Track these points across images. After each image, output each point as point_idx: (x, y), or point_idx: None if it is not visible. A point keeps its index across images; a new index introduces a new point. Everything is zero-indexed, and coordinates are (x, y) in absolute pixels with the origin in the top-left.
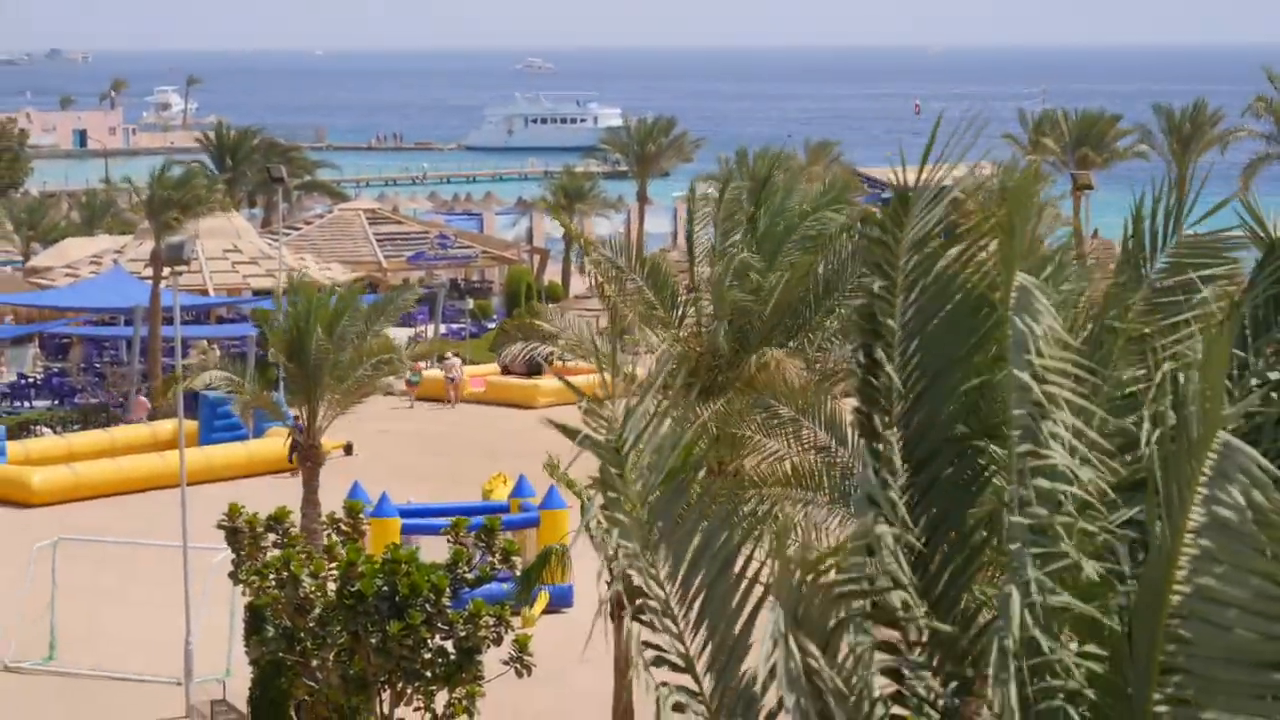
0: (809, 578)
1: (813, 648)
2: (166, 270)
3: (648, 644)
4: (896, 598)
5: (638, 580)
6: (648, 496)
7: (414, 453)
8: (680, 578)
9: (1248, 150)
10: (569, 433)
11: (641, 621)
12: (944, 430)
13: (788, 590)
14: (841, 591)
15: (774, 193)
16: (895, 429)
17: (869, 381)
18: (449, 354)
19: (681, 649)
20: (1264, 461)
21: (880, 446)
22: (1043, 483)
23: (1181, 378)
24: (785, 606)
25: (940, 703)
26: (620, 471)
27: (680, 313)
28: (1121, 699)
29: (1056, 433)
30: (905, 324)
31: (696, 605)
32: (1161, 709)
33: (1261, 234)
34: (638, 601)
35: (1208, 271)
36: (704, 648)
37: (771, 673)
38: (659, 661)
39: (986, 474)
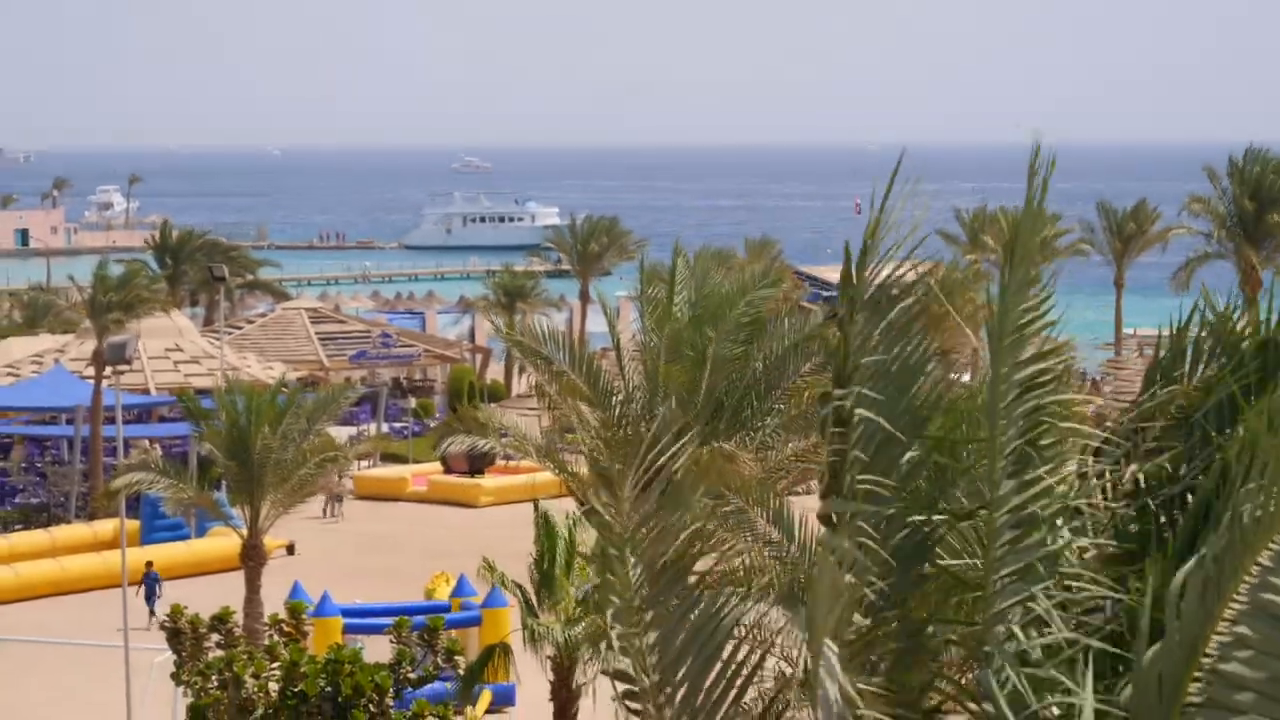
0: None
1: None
2: (109, 370)
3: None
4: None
5: (626, 664)
6: (642, 586)
7: (356, 553)
8: (667, 665)
9: (1187, 248)
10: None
11: (628, 708)
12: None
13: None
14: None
15: (688, 281)
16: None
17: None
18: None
19: None
20: None
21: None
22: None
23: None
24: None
25: None
26: (622, 558)
27: (617, 410)
28: None
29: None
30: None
31: (681, 693)
32: None
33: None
34: (622, 688)
35: None
36: None
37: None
38: None
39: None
